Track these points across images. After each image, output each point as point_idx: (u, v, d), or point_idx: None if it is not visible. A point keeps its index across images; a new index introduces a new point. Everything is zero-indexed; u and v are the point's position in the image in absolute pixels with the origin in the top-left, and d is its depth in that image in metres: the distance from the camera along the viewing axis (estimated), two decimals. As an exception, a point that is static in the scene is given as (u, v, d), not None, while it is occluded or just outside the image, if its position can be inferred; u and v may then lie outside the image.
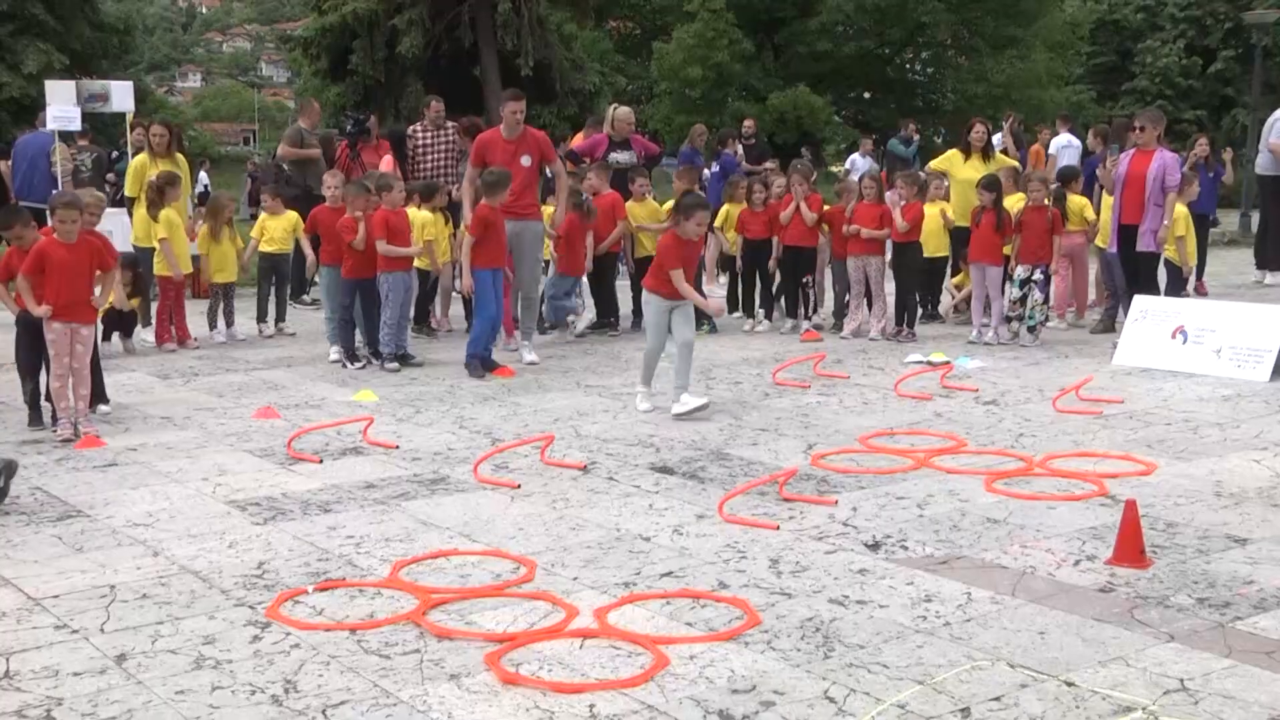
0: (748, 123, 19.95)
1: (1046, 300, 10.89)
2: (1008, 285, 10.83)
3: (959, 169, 11.99)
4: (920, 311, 11.75)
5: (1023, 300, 10.69)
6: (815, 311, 11.75)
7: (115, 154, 15.66)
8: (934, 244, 11.66)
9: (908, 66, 41.21)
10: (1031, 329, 10.70)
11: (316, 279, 14.54)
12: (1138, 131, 10.72)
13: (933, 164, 12.75)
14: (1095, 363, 9.82)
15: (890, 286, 11.34)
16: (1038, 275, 10.61)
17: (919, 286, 11.63)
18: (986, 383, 8.98)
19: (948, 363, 9.79)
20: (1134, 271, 10.71)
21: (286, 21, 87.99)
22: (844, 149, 32.25)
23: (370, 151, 13.12)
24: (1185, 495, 6.07)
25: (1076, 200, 11.86)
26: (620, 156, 12.30)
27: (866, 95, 39.59)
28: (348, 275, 9.94)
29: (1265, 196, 15.10)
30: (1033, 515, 5.77)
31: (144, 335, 11.24)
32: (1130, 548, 5.03)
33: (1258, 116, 19.35)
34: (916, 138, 19.90)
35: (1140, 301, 10.10)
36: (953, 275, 12.33)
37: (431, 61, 30.46)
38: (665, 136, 35.16)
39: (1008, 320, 10.83)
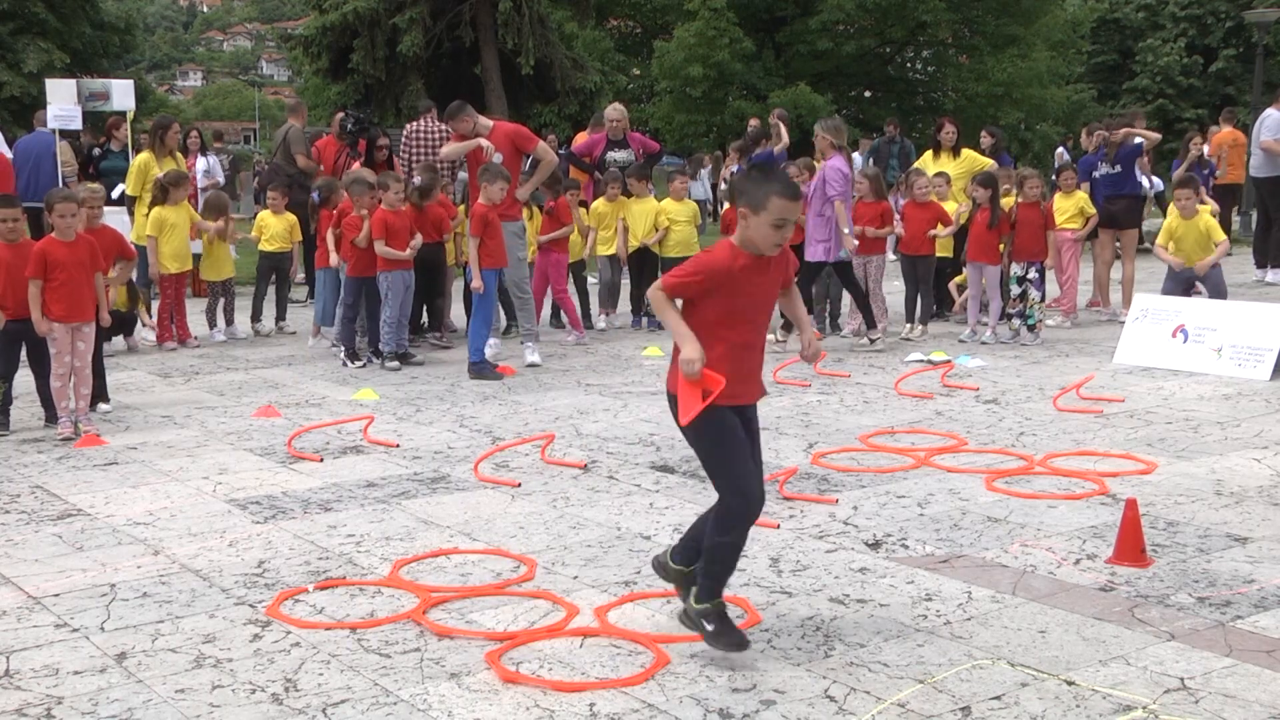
0: (753, 122, 19.95)
1: (1044, 298, 10.88)
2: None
3: (930, 168, 12.15)
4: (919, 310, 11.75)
5: (1022, 297, 10.69)
6: (810, 311, 11.73)
7: (95, 149, 15.50)
8: (939, 244, 11.65)
9: (908, 65, 41.19)
10: (1031, 327, 10.70)
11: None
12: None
13: (916, 163, 12.94)
14: (1096, 361, 9.82)
15: (893, 285, 11.34)
16: (1032, 274, 10.62)
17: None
18: (987, 381, 8.98)
19: (948, 361, 9.79)
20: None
21: (287, 20, 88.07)
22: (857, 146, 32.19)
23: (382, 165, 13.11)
24: (1186, 494, 6.07)
25: (1078, 196, 11.90)
26: (617, 155, 12.31)
27: (867, 94, 39.57)
28: (352, 274, 9.95)
29: (1262, 196, 15.11)
30: (1033, 514, 5.76)
31: (145, 334, 11.26)
32: (1131, 546, 5.03)
33: (1259, 116, 19.33)
34: (888, 134, 19.70)
35: (1141, 300, 10.10)
36: (954, 275, 12.33)
37: (432, 60, 30.45)
38: (665, 135, 35.18)
39: (1008, 318, 10.83)
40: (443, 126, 13.05)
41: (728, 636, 4.08)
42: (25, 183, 14.22)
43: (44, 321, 7.47)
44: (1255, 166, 15.00)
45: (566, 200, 11.47)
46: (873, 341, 10.60)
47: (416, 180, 10.81)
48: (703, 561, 4.18)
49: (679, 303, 4.16)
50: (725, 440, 4.15)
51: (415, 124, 13.04)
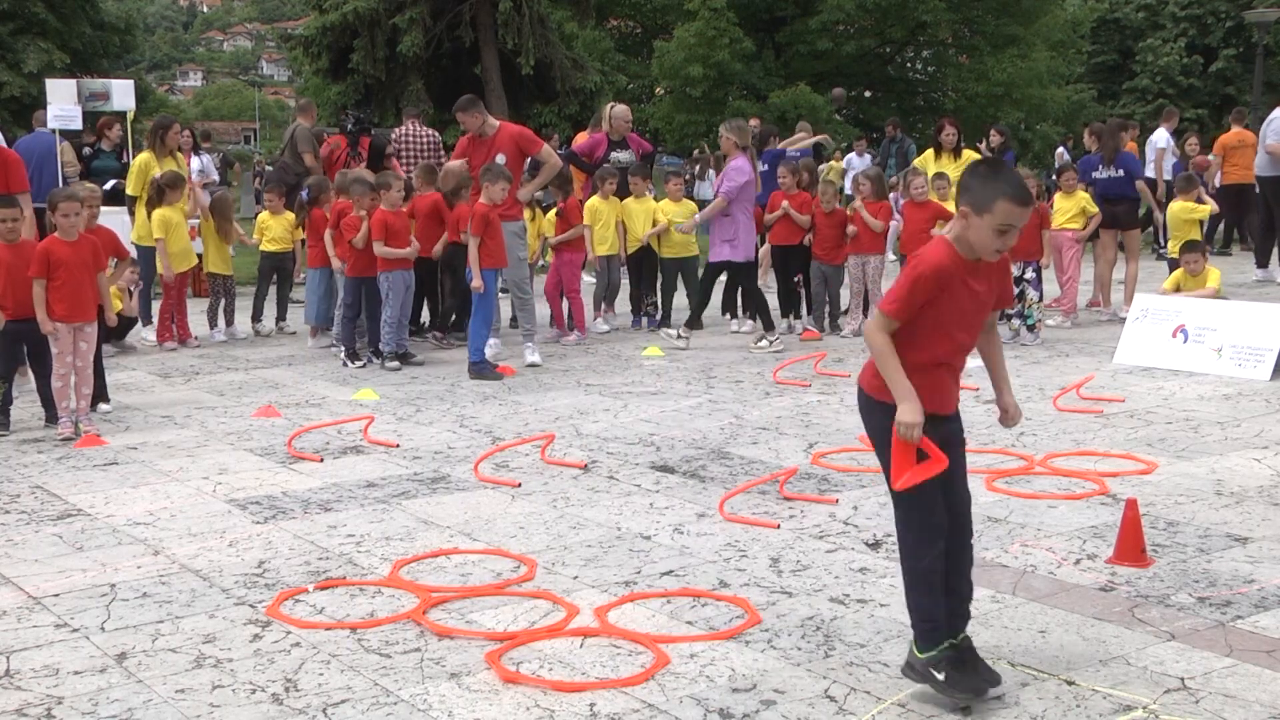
0: (753, 122, 19.92)
1: (1041, 297, 10.89)
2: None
3: (931, 168, 12.23)
4: None
5: (1020, 297, 10.70)
6: (810, 311, 11.75)
7: (86, 149, 15.48)
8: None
9: (908, 65, 41.20)
10: (1031, 327, 10.71)
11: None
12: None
13: (915, 162, 13.03)
14: (1096, 361, 9.82)
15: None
16: (1029, 274, 10.64)
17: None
18: (987, 381, 8.93)
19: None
20: None
21: (287, 20, 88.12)
22: (844, 147, 32.32)
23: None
24: (1186, 494, 6.07)
25: (1080, 196, 11.91)
26: (621, 156, 12.33)
27: (867, 94, 39.57)
28: (351, 274, 9.96)
29: (1266, 195, 15.11)
30: (1033, 514, 5.76)
31: (145, 334, 11.26)
32: (1131, 546, 5.03)
33: (1259, 116, 19.33)
34: (888, 134, 19.76)
35: (1141, 300, 10.11)
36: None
37: (432, 60, 30.44)
38: (666, 136, 35.17)
39: (1007, 318, 10.83)
40: (429, 131, 13.39)
41: (966, 681, 3.70)
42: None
43: (48, 321, 7.47)
44: (1260, 166, 15.03)
45: (576, 201, 11.49)
46: (770, 344, 10.60)
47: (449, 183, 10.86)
48: (907, 599, 3.82)
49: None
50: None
51: (401, 129, 13.31)
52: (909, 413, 3.65)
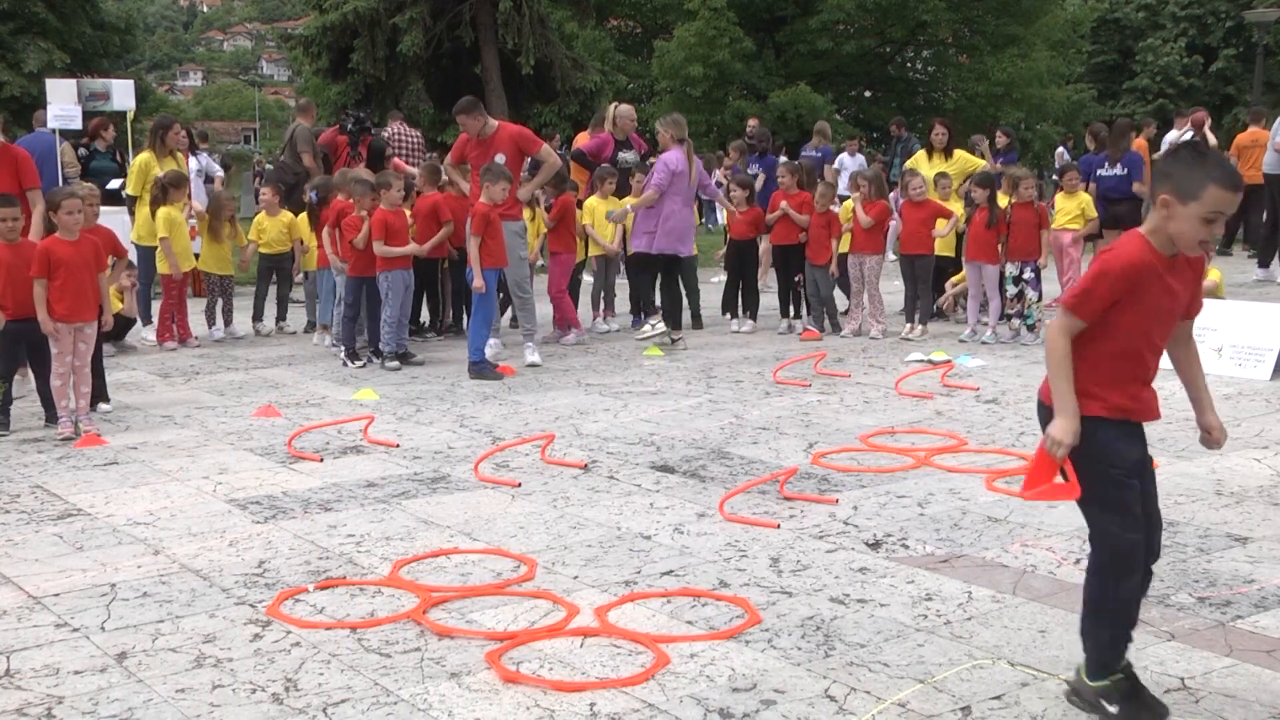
0: (752, 122, 19.92)
1: (1040, 297, 10.89)
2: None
3: (924, 168, 12.26)
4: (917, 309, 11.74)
5: (1019, 297, 10.71)
6: (809, 312, 11.76)
7: (80, 149, 15.47)
8: (941, 243, 11.66)
9: (908, 65, 41.22)
10: (1030, 327, 10.71)
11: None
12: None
13: (907, 164, 13.07)
14: (1096, 361, 9.81)
15: (892, 285, 11.34)
16: (1028, 274, 10.64)
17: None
18: (987, 381, 8.98)
19: (948, 361, 9.79)
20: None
21: (287, 20, 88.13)
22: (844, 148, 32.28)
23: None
24: (1186, 494, 6.07)
25: (1081, 197, 11.90)
26: (627, 156, 12.36)
27: (867, 94, 39.59)
28: (353, 274, 9.96)
29: (1273, 194, 15.10)
30: (1033, 514, 5.76)
31: (145, 334, 11.26)
32: (1131, 546, 5.03)
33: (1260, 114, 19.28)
34: (892, 133, 19.77)
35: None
36: (954, 273, 12.34)
37: (432, 60, 30.45)
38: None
39: (1007, 318, 10.84)
40: (414, 131, 13.51)
41: (1140, 716, 3.52)
42: None
43: (49, 321, 7.47)
44: (1269, 165, 15.04)
45: (570, 198, 11.49)
46: (653, 327, 10.78)
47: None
48: (1085, 623, 3.62)
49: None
50: (1119, 475, 3.50)
51: (390, 129, 13.49)
52: (1062, 430, 3.44)
